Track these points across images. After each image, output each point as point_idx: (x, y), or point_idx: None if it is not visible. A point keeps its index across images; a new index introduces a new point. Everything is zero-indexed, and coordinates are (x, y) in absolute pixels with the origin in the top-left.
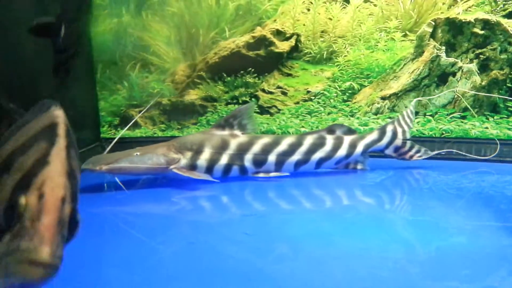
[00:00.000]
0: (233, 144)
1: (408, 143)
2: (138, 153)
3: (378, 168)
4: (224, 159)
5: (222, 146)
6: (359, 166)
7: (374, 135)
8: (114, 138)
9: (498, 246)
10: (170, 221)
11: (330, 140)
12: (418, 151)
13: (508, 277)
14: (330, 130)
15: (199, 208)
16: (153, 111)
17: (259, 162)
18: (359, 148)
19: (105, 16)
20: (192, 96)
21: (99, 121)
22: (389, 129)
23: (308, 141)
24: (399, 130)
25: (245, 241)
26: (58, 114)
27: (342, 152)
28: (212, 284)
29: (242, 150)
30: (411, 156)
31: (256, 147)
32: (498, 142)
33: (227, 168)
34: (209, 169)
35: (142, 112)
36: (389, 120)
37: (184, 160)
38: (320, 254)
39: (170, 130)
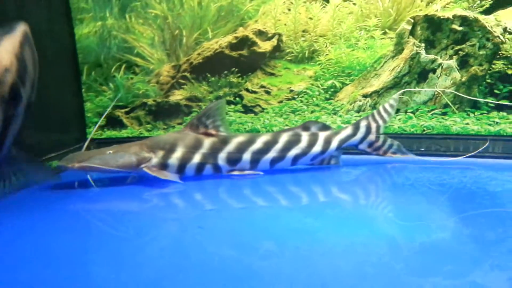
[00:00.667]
0: (207, 143)
1: (381, 138)
2: (111, 152)
3: (360, 165)
4: (196, 158)
5: (195, 145)
6: (332, 161)
7: (348, 131)
8: (100, 139)
9: (481, 241)
10: (146, 218)
11: (305, 136)
12: (391, 146)
13: (491, 272)
14: (305, 127)
15: (172, 205)
16: (139, 112)
17: (233, 160)
18: (334, 143)
19: (89, 19)
20: (177, 96)
21: (85, 122)
22: (363, 124)
23: (284, 138)
24: (373, 125)
25: (229, 238)
26: (22, 23)
27: (317, 148)
28: (200, 282)
29: (216, 148)
30: (385, 152)
31: (231, 146)
32: (488, 138)
33: (200, 166)
34: (181, 168)
35: (104, 114)
36: None
37: (155, 159)
38: (306, 250)
39: (156, 130)
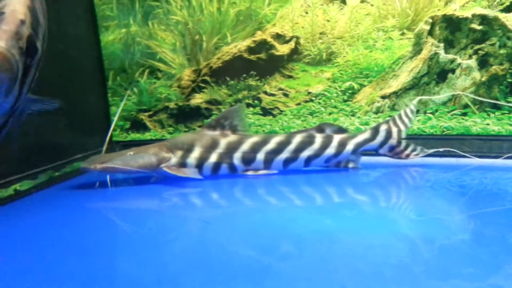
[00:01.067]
0: (223, 143)
1: (404, 142)
2: (131, 153)
3: (378, 167)
4: (213, 157)
5: (212, 145)
6: (350, 165)
7: (366, 135)
8: (125, 141)
9: (502, 243)
10: (166, 217)
11: (318, 138)
12: (414, 150)
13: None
14: (320, 129)
15: (191, 204)
16: (162, 115)
17: (248, 160)
18: (349, 146)
19: (114, 26)
20: (198, 99)
21: (110, 126)
22: (383, 128)
23: (297, 139)
24: (394, 130)
25: (249, 238)
26: None
27: (331, 150)
28: (220, 281)
29: (232, 148)
30: (407, 155)
31: (245, 146)
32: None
33: (216, 166)
34: (199, 167)
35: (117, 114)
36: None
37: (174, 158)
38: (325, 252)
39: (178, 133)
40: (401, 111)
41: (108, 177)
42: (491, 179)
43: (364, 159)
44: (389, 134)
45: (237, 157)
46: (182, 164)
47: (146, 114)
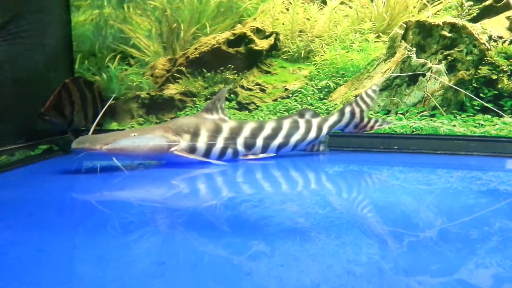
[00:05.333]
0: (226, 128)
1: (365, 118)
2: (135, 134)
3: (350, 161)
4: (220, 143)
5: (216, 130)
6: (321, 148)
7: (335, 117)
8: (88, 129)
9: (467, 240)
10: (132, 214)
11: (302, 123)
12: (377, 121)
13: (476, 270)
14: (301, 114)
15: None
16: (132, 104)
17: (249, 145)
18: (325, 130)
19: (86, 6)
20: (172, 90)
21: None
22: (347, 110)
23: (286, 125)
24: (357, 110)
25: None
26: None
27: (312, 134)
28: (188, 282)
29: (234, 133)
30: (372, 127)
31: (246, 131)
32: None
33: (223, 151)
34: (207, 152)
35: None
36: None
37: (184, 142)
38: (297, 250)
39: (148, 124)
40: (363, 92)
41: (114, 159)
42: (456, 177)
43: None
44: (353, 115)
45: (240, 142)
46: (192, 149)
47: (114, 102)
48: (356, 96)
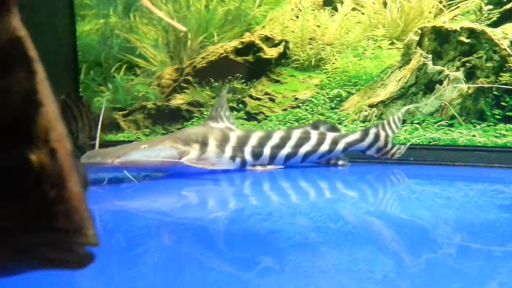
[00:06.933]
0: (233, 137)
1: (390, 143)
2: (145, 146)
3: (365, 173)
4: (228, 152)
5: (224, 139)
6: (340, 162)
7: (356, 135)
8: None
9: (488, 258)
10: (135, 223)
11: (314, 135)
12: (398, 149)
13: None
14: (315, 126)
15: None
16: (138, 115)
17: (256, 154)
18: (341, 145)
19: (91, 16)
20: (178, 100)
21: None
22: (372, 131)
23: (296, 135)
24: (382, 134)
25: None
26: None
27: (325, 147)
28: None
29: (242, 142)
30: (393, 154)
31: (253, 140)
32: None
33: (232, 160)
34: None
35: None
36: None
37: (194, 151)
38: (308, 266)
39: (154, 135)
40: (390, 118)
41: (125, 172)
42: (476, 190)
43: None
44: (377, 137)
45: (247, 151)
46: (202, 158)
47: (121, 113)
48: (383, 121)
